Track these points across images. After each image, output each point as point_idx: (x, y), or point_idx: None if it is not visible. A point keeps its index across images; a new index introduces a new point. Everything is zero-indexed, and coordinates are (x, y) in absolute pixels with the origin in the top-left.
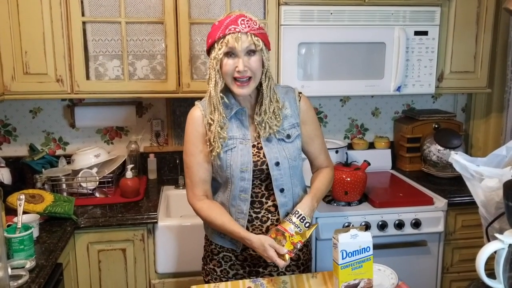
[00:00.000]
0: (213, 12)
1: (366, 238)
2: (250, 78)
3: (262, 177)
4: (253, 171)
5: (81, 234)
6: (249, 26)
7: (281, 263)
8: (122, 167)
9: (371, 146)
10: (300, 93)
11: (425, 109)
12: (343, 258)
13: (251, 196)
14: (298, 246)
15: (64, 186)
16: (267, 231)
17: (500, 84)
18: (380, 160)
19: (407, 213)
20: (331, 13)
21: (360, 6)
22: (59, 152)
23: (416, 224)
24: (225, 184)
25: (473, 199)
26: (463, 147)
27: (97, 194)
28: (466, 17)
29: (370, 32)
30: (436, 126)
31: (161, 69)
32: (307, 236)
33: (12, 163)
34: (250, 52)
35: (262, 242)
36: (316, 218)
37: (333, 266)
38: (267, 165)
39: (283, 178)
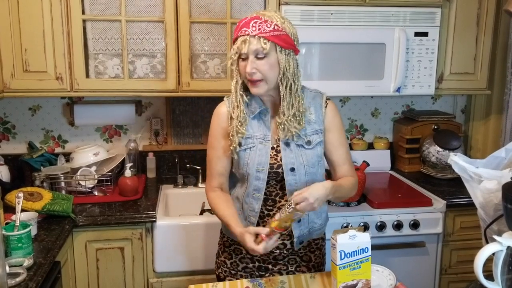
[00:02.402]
0: (214, 11)
1: (364, 239)
2: (262, 80)
3: (278, 179)
4: (269, 173)
5: (80, 232)
6: (259, 29)
7: (257, 248)
8: (121, 166)
9: (370, 146)
10: (329, 99)
11: (425, 110)
12: (341, 259)
13: (265, 194)
14: (277, 232)
15: (62, 184)
16: None
17: (500, 85)
18: (379, 160)
19: (406, 214)
20: (332, 14)
21: (361, 7)
22: (58, 150)
23: (415, 225)
24: (242, 180)
25: (472, 200)
26: (462, 149)
27: (96, 193)
28: (466, 19)
29: (370, 33)
30: (435, 127)
31: (161, 67)
32: (286, 223)
33: (11, 160)
34: (260, 55)
35: (242, 233)
36: None
37: (331, 267)
38: (282, 169)
39: (298, 184)
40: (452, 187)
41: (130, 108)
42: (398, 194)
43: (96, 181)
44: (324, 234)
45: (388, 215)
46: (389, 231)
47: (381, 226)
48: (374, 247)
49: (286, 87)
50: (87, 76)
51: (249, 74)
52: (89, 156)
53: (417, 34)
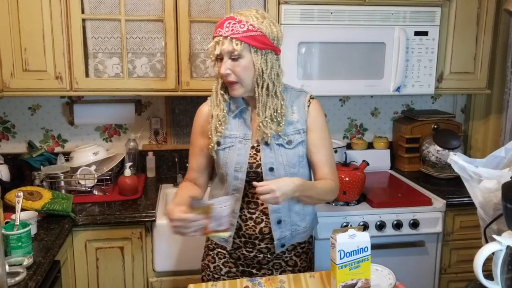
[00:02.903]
0: (213, 10)
1: (364, 238)
2: (237, 82)
3: (258, 179)
4: (249, 172)
5: (79, 231)
6: (232, 30)
7: (172, 211)
8: (121, 165)
9: (370, 146)
10: (312, 98)
11: (425, 110)
12: (341, 258)
13: (247, 196)
14: (199, 218)
15: (62, 183)
16: (260, 234)
17: (500, 85)
18: (379, 160)
19: (405, 214)
20: (331, 13)
21: (361, 6)
22: (57, 149)
23: (414, 224)
24: (222, 180)
25: (472, 200)
26: (462, 148)
27: (96, 192)
28: (466, 18)
29: (370, 32)
30: (435, 126)
31: (160, 67)
32: (202, 214)
33: (11, 160)
34: (234, 56)
35: (171, 206)
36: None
37: (331, 266)
38: (262, 168)
39: None
40: (452, 187)
41: (130, 108)
42: (398, 194)
43: (95, 180)
44: (312, 237)
45: (388, 215)
46: (389, 230)
47: (380, 226)
48: (374, 247)
49: (262, 88)
50: (87, 75)
51: (224, 75)
52: (88, 155)
53: (417, 33)
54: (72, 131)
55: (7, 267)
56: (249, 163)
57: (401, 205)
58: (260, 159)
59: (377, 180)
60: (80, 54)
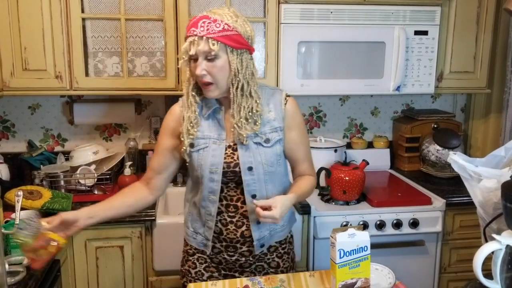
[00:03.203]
0: None
1: (363, 238)
2: (213, 83)
3: (236, 179)
4: (226, 172)
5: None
6: (207, 29)
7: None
8: (121, 164)
9: (370, 145)
10: (288, 96)
11: (424, 109)
12: (340, 257)
13: (226, 199)
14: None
15: (62, 182)
16: (242, 237)
17: (500, 84)
18: (378, 159)
19: (405, 213)
20: (331, 12)
21: (360, 5)
22: (57, 148)
23: (414, 224)
24: (197, 184)
25: (471, 199)
26: (462, 147)
27: (95, 191)
28: (466, 17)
29: (370, 32)
30: (435, 126)
31: (160, 66)
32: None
33: (11, 159)
34: (210, 56)
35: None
36: (314, 217)
37: (331, 265)
38: (240, 168)
39: (256, 184)
40: (452, 186)
41: (130, 107)
42: (398, 193)
43: (95, 179)
44: (292, 237)
45: (388, 214)
46: (389, 229)
47: (380, 225)
48: (374, 246)
49: (237, 89)
50: (87, 74)
51: (199, 76)
52: (88, 154)
53: (417, 32)
54: (72, 130)
55: (7, 266)
56: (226, 162)
57: (401, 204)
58: (238, 158)
59: (377, 179)
60: (80, 53)
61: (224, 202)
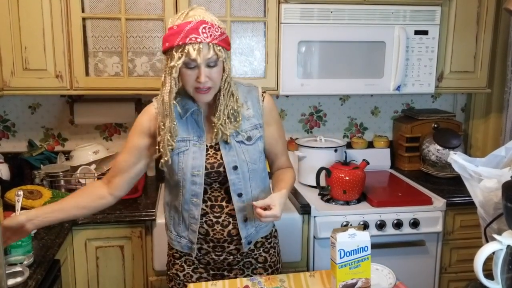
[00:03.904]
0: (213, 9)
1: (364, 238)
2: (211, 87)
3: (220, 179)
4: (210, 173)
5: (79, 230)
6: (211, 35)
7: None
8: None
9: (370, 145)
10: (264, 92)
11: (425, 109)
12: (341, 257)
13: (210, 200)
14: None
15: (62, 182)
16: (229, 236)
17: (500, 84)
18: (379, 159)
19: (406, 213)
20: (331, 12)
21: (360, 5)
22: (57, 148)
23: (415, 223)
24: (177, 187)
25: (472, 199)
26: (462, 147)
27: None
28: (466, 17)
29: (370, 31)
30: (435, 125)
31: (160, 66)
32: None
33: (11, 158)
34: (211, 63)
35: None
36: (314, 217)
37: (331, 265)
38: (224, 167)
39: (241, 183)
40: (452, 186)
41: (130, 106)
42: (398, 193)
43: (96, 179)
44: (276, 231)
45: (388, 214)
46: (389, 229)
47: (381, 225)
48: (374, 246)
49: (226, 90)
50: (87, 74)
51: (202, 83)
52: (88, 154)
53: (417, 32)
54: (72, 130)
55: (7, 266)
56: (209, 163)
57: (401, 204)
58: (221, 158)
59: (377, 179)
60: (80, 53)
61: (209, 203)
